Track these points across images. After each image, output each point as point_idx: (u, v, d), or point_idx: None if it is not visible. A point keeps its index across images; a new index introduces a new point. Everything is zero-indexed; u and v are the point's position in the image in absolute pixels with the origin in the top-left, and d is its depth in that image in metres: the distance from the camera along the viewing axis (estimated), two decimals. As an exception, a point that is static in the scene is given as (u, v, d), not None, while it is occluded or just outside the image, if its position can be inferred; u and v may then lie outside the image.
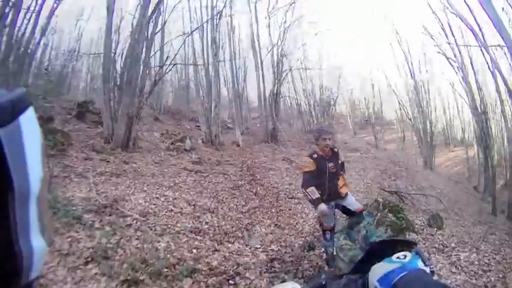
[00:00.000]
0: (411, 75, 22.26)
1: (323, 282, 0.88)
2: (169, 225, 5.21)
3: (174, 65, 13.24)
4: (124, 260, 3.73)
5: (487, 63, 13.53)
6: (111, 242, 4.06)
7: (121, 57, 10.82)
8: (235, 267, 4.39)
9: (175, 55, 13.24)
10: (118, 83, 9.80)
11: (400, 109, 25.37)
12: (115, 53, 10.49)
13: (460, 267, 5.24)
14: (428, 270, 0.74)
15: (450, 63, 16.72)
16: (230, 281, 4.01)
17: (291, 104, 26.54)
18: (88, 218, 4.55)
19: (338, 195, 4.63)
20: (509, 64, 12.67)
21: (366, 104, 36.89)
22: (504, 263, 5.61)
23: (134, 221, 4.97)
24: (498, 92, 14.13)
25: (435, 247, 5.94)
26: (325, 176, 4.54)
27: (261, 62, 17.11)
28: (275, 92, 17.49)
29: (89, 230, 4.23)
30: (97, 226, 4.42)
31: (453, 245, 6.27)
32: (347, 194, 4.69)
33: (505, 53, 12.22)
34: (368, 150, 19.27)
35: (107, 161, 7.69)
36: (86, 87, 22.69)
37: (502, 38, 8.40)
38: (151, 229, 4.90)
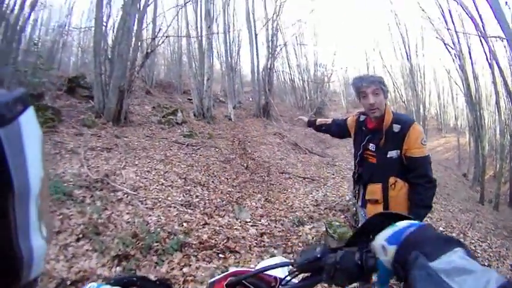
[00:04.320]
0: (407, 57, 22.22)
1: (318, 255, 0.86)
2: (160, 199, 5.24)
3: (167, 37, 13.03)
4: (115, 235, 3.77)
5: (485, 53, 13.41)
6: (102, 217, 4.10)
7: (113, 31, 10.69)
8: (225, 240, 4.40)
9: (168, 27, 13.08)
10: (109, 56, 9.64)
11: (394, 91, 25.41)
12: (106, 26, 10.30)
13: (447, 252, 5.24)
14: None
15: (448, 49, 16.52)
16: (220, 255, 4.03)
17: (284, 79, 26.25)
18: (78, 193, 4.57)
19: (366, 206, 2.87)
20: (508, 57, 12.67)
21: (360, 83, 37.05)
22: (489, 251, 5.64)
23: (125, 195, 5.00)
24: (494, 83, 14.17)
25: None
26: (357, 157, 2.94)
27: (256, 36, 16.84)
28: (269, 66, 17.26)
29: (80, 206, 4.25)
30: (87, 202, 4.46)
31: (441, 228, 6.34)
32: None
33: (504, 46, 12.26)
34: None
35: (98, 136, 7.66)
36: (77, 62, 22.24)
37: (503, 30, 8.38)
38: (141, 203, 4.94)
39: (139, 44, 10.64)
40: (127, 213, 4.49)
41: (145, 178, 5.96)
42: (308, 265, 0.87)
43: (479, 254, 5.39)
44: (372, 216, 0.82)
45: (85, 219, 3.93)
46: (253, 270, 1.02)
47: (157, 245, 3.80)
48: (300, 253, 0.91)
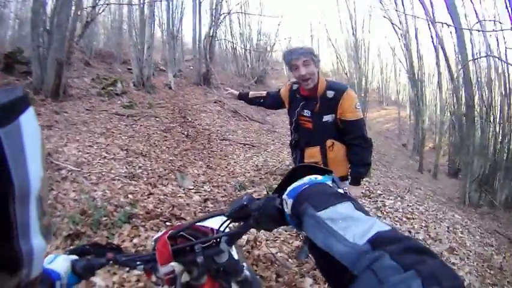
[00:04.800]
0: (353, 32, 22.66)
1: (245, 203, 0.91)
2: (104, 173, 5.25)
3: (108, 5, 12.60)
4: (64, 215, 3.77)
5: (432, 37, 14.26)
6: (50, 199, 4.08)
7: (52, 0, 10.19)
8: (170, 208, 4.52)
9: (109, -5, 12.63)
10: (48, 28, 9.17)
11: (338, 63, 25.83)
12: (45, -5, 9.71)
13: (385, 212, 5.55)
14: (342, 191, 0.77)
15: (394, 29, 17.30)
16: (167, 223, 4.12)
17: (226, 47, 25.88)
18: (22, 177, 4.55)
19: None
20: (454, 44, 13.48)
21: (303, 53, 37.44)
22: (427, 214, 5.95)
23: (70, 173, 4.95)
24: (437, 64, 15.15)
25: (362, 192, 6.08)
26: (292, 124, 3.10)
27: (199, 4, 16.52)
28: (211, 34, 17.13)
29: (26, 189, 4.22)
30: (32, 184, 4.44)
31: (379, 192, 6.67)
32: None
33: (450, 32, 13.05)
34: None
35: (38, 114, 7.38)
36: (14, 35, 20.61)
37: (451, 17, 8.92)
38: (86, 179, 4.91)
39: (79, 12, 10.26)
40: (73, 191, 4.47)
41: (88, 153, 5.90)
42: (237, 213, 0.94)
43: (416, 216, 5.67)
44: (296, 167, 0.89)
45: (33, 204, 3.93)
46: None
47: (106, 219, 3.84)
48: (231, 203, 0.97)
